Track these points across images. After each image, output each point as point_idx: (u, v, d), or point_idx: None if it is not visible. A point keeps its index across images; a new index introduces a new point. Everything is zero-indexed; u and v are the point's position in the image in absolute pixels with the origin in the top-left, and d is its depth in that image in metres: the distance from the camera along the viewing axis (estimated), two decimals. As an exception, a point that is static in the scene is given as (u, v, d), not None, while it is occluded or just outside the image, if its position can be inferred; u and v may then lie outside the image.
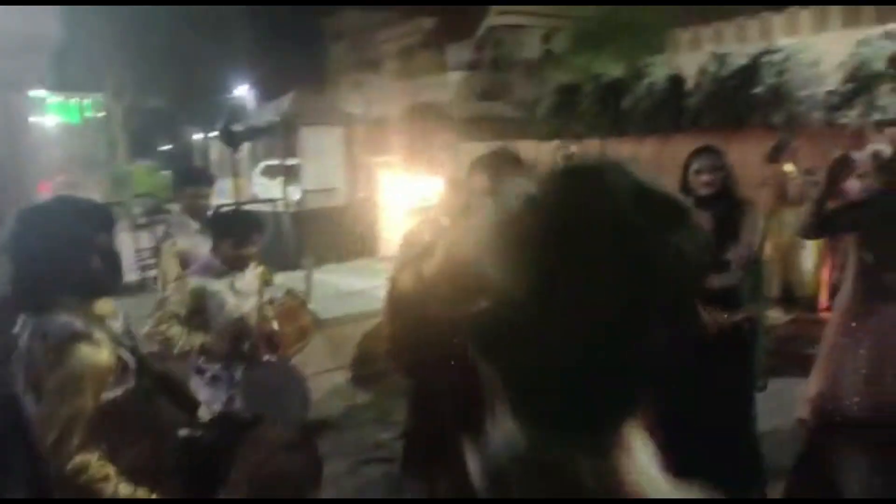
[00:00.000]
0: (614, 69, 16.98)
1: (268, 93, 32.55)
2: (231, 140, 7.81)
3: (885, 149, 6.73)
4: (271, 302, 3.63)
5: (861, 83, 11.73)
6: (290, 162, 7.41)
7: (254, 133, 7.54)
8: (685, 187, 3.04)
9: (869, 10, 15.86)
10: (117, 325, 1.95)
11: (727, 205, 2.92)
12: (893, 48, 11.35)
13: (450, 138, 21.46)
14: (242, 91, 33.98)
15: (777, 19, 18.11)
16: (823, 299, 6.16)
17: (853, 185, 6.52)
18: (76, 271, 1.74)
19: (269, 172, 14.38)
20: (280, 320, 3.59)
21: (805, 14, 17.18)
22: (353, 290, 6.15)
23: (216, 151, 38.23)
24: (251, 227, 3.30)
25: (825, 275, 6.19)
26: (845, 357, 2.65)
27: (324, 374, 4.76)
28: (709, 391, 2.79)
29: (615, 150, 16.62)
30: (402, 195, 14.74)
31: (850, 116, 11.86)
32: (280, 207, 7.16)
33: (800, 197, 6.97)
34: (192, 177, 3.97)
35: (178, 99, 22.62)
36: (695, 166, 3.01)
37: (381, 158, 16.75)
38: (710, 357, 2.73)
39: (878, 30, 12.09)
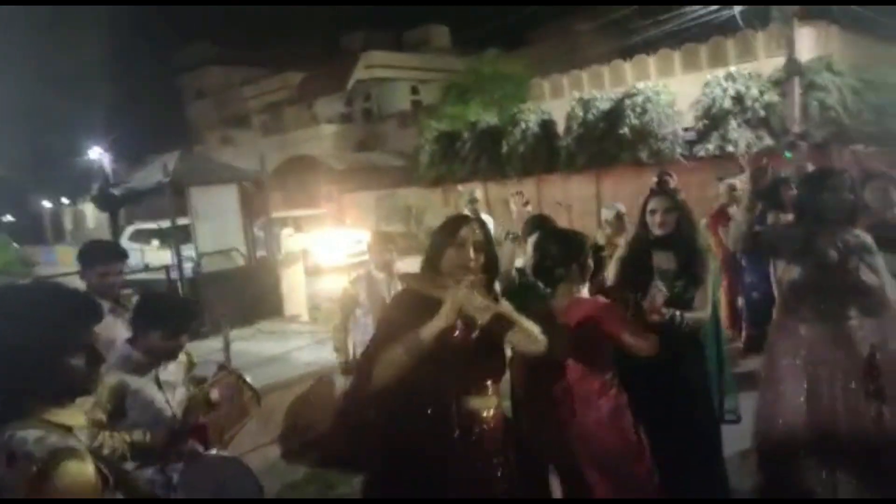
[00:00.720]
0: (488, 117, 17.68)
1: (125, 154, 30.71)
2: (109, 204, 7.16)
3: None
4: (202, 382, 3.22)
5: (713, 120, 12.97)
6: (181, 223, 6.86)
7: (136, 196, 6.95)
8: (644, 227, 3.09)
9: (704, 55, 17.75)
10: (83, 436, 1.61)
11: (686, 247, 2.97)
12: (736, 88, 12.66)
13: (332, 190, 21.24)
14: (96, 154, 31.86)
15: (627, 66, 19.81)
16: (724, 318, 6.51)
17: (734, 211, 7.03)
18: (54, 372, 1.41)
19: (140, 238, 13.39)
20: (218, 401, 3.19)
21: (651, 60, 18.92)
22: (271, 356, 5.73)
23: (69, 220, 35.33)
24: (187, 316, 2.88)
25: (723, 295, 6.56)
26: (786, 382, 2.73)
27: (254, 452, 4.31)
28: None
29: (498, 193, 17.21)
30: (326, 250, 14.19)
31: (708, 150, 13.05)
32: (174, 274, 6.59)
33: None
34: (101, 252, 3.45)
35: (25, 166, 20.64)
36: (650, 207, 3.06)
37: (301, 213, 16.20)
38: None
39: (720, 72, 13.46)
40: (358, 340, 4.20)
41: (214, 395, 3.07)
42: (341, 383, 5.18)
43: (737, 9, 12.57)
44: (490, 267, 2.16)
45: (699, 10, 13.79)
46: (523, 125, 16.14)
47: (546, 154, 15.88)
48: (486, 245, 2.13)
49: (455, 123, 18.48)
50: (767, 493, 2.76)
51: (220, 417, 3.16)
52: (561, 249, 2.58)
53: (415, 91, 31.40)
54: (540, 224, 3.55)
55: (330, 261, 13.66)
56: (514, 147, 16.24)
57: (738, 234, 2.80)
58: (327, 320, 7.57)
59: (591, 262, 2.61)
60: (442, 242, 2.14)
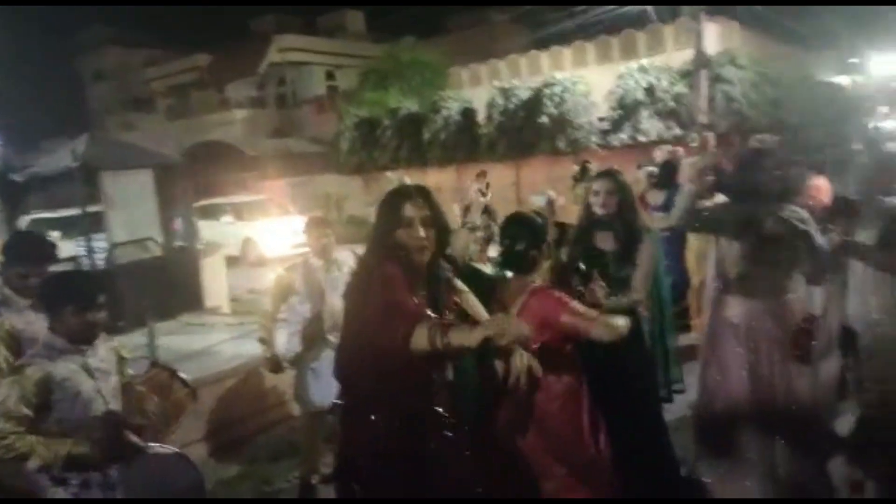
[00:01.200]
0: (409, 104, 17.55)
1: (15, 139, 28.46)
2: (10, 192, 6.59)
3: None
4: (134, 378, 3.06)
5: (626, 111, 13.43)
6: (91, 210, 6.39)
7: (41, 182, 6.43)
8: (588, 208, 3.17)
9: (616, 47, 18.34)
10: None
11: (627, 228, 3.06)
12: (648, 80, 13.16)
13: (245, 177, 20.49)
14: (-19, 138, 29.35)
15: (543, 56, 20.18)
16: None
17: (653, 196, 7.30)
18: None
19: (38, 228, 12.48)
20: (151, 398, 3.03)
21: (567, 51, 19.35)
22: (194, 351, 5.45)
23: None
24: (93, 287, 2.72)
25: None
26: (727, 356, 2.86)
27: (184, 449, 4.10)
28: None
29: (419, 181, 17.16)
30: (272, 239, 13.11)
31: (621, 139, 13.52)
32: (85, 265, 6.15)
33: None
34: (28, 253, 3.15)
35: None
36: (594, 188, 3.15)
37: (242, 199, 15.29)
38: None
39: (633, 64, 13.94)
40: (292, 330, 4.06)
41: (142, 389, 2.93)
42: (272, 377, 5.02)
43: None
44: (442, 240, 2.05)
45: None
46: (445, 113, 16.14)
47: (467, 142, 15.97)
48: (435, 218, 2.00)
49: (375, 110, 18.23)
50: (707, 459, 2.89)
51: (155, 415, 3.01)
52: (529, 231, 2.51)
53: (330, 76, 30.73)
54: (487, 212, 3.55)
55: (277, 251, 12.71)
56: (435, 135, 16.24)
57: (684, 210, 2.88)
58: (249, 313, 7.33)
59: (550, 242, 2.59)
60: (388, 225, 2.00)
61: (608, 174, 3.22)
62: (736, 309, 2.88)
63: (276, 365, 4.02)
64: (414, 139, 16.76)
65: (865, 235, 2.97)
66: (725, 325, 2.91)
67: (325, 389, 3.85)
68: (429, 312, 1.99)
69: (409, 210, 1.98)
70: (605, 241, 3.10)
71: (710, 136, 7.71)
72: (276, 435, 4.75)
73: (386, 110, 17.74)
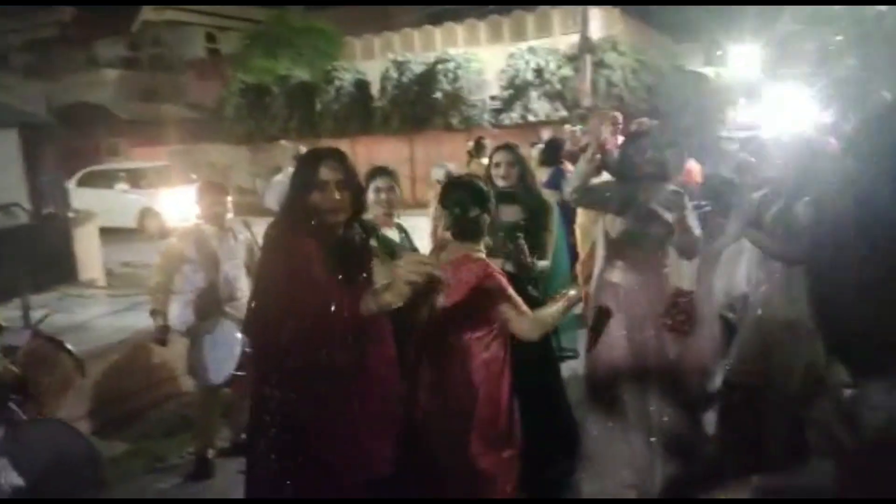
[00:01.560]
0: (301, 73, 17.01)
1: None
2: None
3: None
4: (13, 350, 2.88)
5: (516, 90, 13.81)
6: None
7: None
8: (490, 180, 3.28)
9: (508, 28, 18.72)
10: None
11: (533, 197, 3.23)
12: (537, 61, 13.58)
13: (117, 143, 19.11)
14: None
15: (437, 32, 20.22)
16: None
17: (539, 173, 7.59)
18: None
19: None
20: (35, 370, 2.87)
21: (459, 28, 19.51)
22: (74, 325, 5.12)
23: None
24: None
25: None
26: (608, 324, 3.09)
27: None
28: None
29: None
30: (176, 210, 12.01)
31: (512, 118, 13.90)
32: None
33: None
34: None
35: None
36: (494, 160, 3.27)
37: (140, 164, 13.92)
38: None
39: (523, 45, 14.32)
40: (186, 300, 3.91)
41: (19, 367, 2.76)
42: (162, 351, 4.80)
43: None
44: (357, 203, 2.07)
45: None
46: (338, 83, 15.82)
47: (361, 114, 15.77)
48: (350, 182, 2.02)
49: (263, 77, 17.52)
50: (595, 415, 3.12)
51: (40, 388, 2.86)
52: (477, 195, 2.39)
53: (211, 39, 29.07)
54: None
55: (180, 222, 11.82)
56: (327, 106, 15.90)
57: (576, 185, 3.03)
58: (129, 285, 6.94)
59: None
60: (303, 187, 1.98)
61: (507, 147, 3.35)
62: (618, 278, 3.10)
63: (163, 337, 3.84)
64: (305, 109, 16.32)
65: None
66: (608, 291, 3.13)
67: (221, 363, 3.76)
68: (342, 280, 2.01)
69: (325, 173, 1.98)
70: (509, 213, 3.23)
71: (602, 117, 8.16)
72: (168, 410, 4.60)
73: (275, 77, 17.10)
